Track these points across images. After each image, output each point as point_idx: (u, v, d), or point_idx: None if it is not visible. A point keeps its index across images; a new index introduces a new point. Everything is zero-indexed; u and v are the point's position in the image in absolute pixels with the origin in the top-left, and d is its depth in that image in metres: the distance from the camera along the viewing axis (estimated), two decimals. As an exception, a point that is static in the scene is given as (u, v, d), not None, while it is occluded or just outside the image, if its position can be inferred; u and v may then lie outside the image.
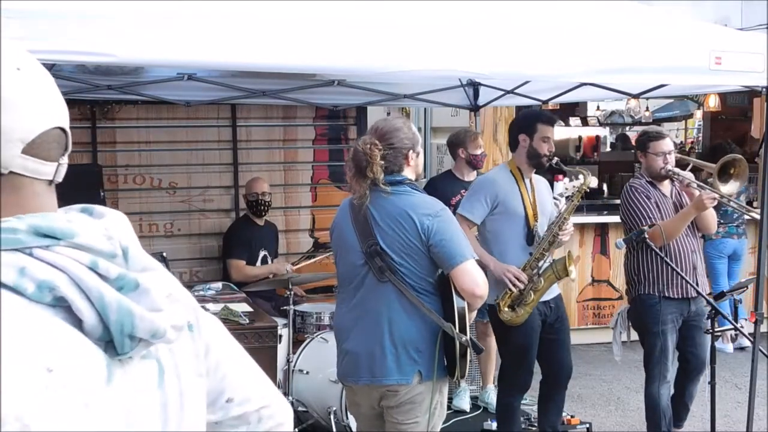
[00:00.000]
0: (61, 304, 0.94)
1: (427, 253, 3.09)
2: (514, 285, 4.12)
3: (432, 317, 3.08)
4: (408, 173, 3.18)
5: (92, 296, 0.95)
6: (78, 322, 0.95)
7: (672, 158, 4.52)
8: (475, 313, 3.28)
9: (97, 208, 1.05)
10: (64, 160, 1.03)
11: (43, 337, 0.92)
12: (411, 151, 3.15)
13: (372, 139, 3.13)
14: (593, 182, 4.36)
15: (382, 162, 3.08)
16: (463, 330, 3.08)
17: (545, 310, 4.31)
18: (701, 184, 4.55)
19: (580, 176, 4.27)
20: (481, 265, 4.53)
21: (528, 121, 4.37)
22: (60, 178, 1.02)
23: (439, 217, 3.09)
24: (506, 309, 4.18)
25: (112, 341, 0.97)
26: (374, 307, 3.15)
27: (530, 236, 4.23)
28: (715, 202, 4.41)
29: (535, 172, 4.42)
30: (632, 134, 12.94)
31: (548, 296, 4.31)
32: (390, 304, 3.11)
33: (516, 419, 4.44)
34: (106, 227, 1.01)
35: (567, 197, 4.30)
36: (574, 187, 4.27)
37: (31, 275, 0.92)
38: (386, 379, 3.13)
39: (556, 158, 4.28)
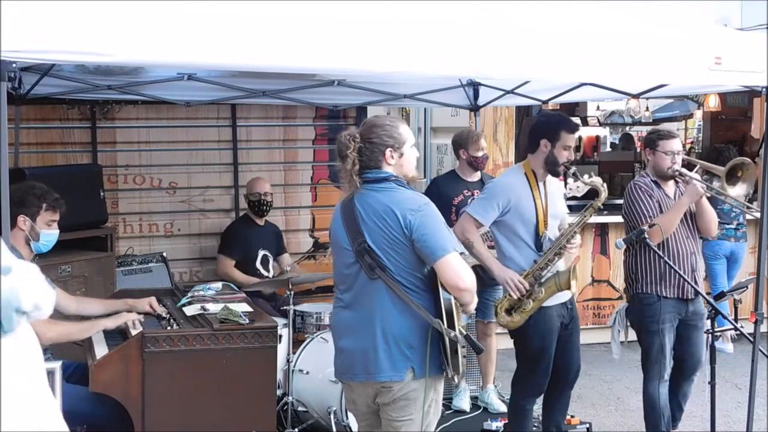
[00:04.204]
0: None
1: (411, 248, 3.09)
2: (513, 292, 4.11)
3: (420, 313, 3.09)
4: (390, 171, 3.19)
5: None
6: None
7: (679, 159, 4.53)
8: (473, 307, 3.26)
9: None
10: None
11: None
12: (390, 150, 3.16)
13: (353, 132, 3.20)
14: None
15: (356, 155, 3.13)
16: (451, 326, 3.08)
17: (563, 312, 4.28)
18: (707, 184, 4.55)
19: (601, 194, 4.23)
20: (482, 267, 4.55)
21: (552, 127, 4.25)
22: None
23: (422, 212, 3.09)
24: (503, 313, 4.18)
25: None
26: (367, 305, 3.16)
27: (538, 242, 4.21)
28: (707, 192, 4.43)
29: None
30: (635, 134, 12.96)
31: (564, 298, 4.28)
32: (381, 301, 3.13)
33: (527, 423, 4.40)
34: None
35: (580, 213, 4.26)
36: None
37: None
38: (379, 376, 3.14)
39: (573, 168, 4.22)
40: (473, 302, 3.21)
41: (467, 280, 3.07)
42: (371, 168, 3.17)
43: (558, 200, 4.34)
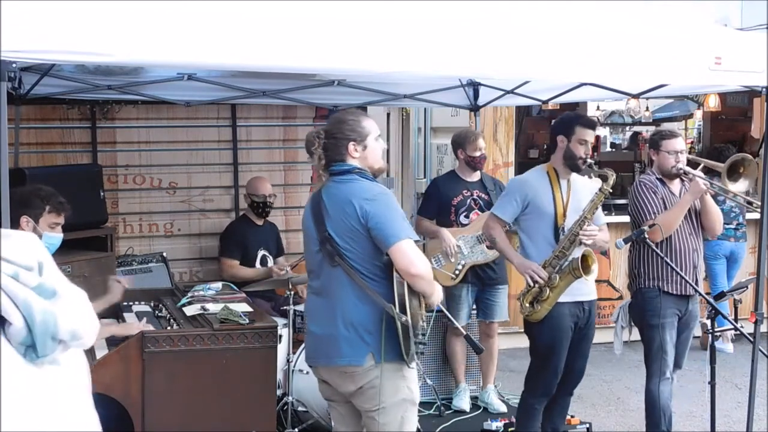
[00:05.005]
0: None
1: (368, 236, 3.18)
2: (533, 282, 4.14)
3: (374, 298, 3.16)
4: (355, 164, 3.29)
5: (18, 301, 1.00)
6: None
7: (683, 157, 4.55)
8: (437, 298, 3.29)
9: (2, 231, 1.12)
10: None
11: None
12: (353, 143, 3.28)
13: (319, 129, 3.36)
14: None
15: (322, 151, 3.28)
16: (403, 311, 3.13)
17: (578, 313, 4.28)
18: (709, 180, 4.55)
19: (609, 179, 4.22)
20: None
21: (567, 123, 4.37)
22: None
23: (377, 201, 3.19)
24: (527, 305, 4.20)
25: (33, 345, 1.04)
26: (330, 292, 3.27)
27: (558, 235, 4.25)
28: (710, 189, 4.44)
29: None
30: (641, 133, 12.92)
31: (584, 297, 4.29)
32: (341, 288, 3.22)
33: (535, 423, 4.39)
34: (21, 244, 1.09)
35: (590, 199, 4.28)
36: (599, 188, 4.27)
37: None
38: (340, 360, 3.23)
39: (590, 160, 4.30)
40: (434, 293, 3.26)
41: (420, 267, 3.14)
42: (336, 161, 3.29)
43: (585, 197, 4.32)
